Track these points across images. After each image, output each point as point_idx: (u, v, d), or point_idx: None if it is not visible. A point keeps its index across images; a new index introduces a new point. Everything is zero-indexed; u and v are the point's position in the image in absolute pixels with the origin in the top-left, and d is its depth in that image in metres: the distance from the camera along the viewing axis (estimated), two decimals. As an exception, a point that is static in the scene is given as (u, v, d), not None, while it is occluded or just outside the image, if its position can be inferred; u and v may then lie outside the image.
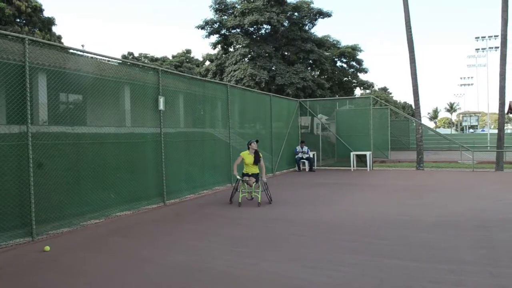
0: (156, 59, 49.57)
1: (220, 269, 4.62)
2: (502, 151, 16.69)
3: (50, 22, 29.53)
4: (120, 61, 8.99)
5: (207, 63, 34.39)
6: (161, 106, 8.83)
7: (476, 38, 44.67)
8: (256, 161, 8.88)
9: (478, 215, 7.33)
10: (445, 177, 13.61)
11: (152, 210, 8.37)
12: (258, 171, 8.96)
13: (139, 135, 8.57)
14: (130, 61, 10.74)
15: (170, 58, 51.09)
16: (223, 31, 29.09)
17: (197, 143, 10.60)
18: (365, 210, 8.12)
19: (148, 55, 51.75)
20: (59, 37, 31.17)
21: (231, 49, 30.82)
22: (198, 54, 78.23)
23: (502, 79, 16.81)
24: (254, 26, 28.19)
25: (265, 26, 28.46)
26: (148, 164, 8.61)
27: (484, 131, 56.20)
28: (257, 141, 9.06)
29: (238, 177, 8.89)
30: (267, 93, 16.06)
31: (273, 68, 27.81)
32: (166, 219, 7.57)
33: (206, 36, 29.12)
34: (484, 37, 43.44)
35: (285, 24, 28.63)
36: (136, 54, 52.09)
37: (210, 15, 29.98)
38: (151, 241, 5.94)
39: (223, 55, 30.87)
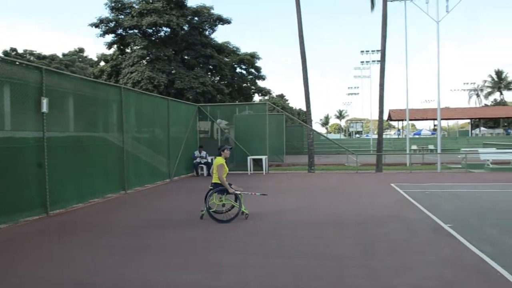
0: (44, 57, 45.51)
1: (108, 282, 4.42)
2: (381, 154, 18.60)
3: None
4: (-4, 58, 8.08)
5: (102, 63, 32.58)
6: (45, 108, 8.14)
7: (361, 51, 49.16)
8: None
9: (359, 212, 8.08)
10: (333, 179, 14.70)
11: (33, 222, 7.65)
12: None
13: (20, 140, 7.80)
14: (8, 58, 9.72)
15: (61, 56, 47.29)
16: (119, 31, 27.83)
17: (88, 148, 9.97)
18: (257, 212, 8.40)
19: (34, 52, 47.28)
20: None
21: (128, 50, 29.63)
22: (93, 53, 73.70)
23: (381, 89, 18.77)
24: (153, 28, 27.49)
25: (164, 28, 27.91)
26: (29, 171, 7.86)
27: (368, 136, 61.87)
28: (231, 148, 8.14)
29: (238, 192, 7.55)
30: (165, 97, 15.78)
31: (172, 71, 27.38)
32: (48, 232, 6.99)
33: (100, 35, 27.57)
34: (368, 51, 47.99)
35: (185, 28, 28.42)
36: (20, 51, 47.26)
37: (106, 13, 28.51)
38: (30, 255, 5.44)
39: (119, 56, 29.54)
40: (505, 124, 64.37)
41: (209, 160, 16.61)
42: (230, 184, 7.52)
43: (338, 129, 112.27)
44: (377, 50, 46.44)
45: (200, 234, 6.60)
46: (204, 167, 16.40)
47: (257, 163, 17.10)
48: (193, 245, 5.89)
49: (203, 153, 16.41)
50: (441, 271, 4.59)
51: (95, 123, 10.60)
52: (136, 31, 27.73)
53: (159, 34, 28.61)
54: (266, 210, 8.63)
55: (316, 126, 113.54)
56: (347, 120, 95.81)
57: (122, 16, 27.79)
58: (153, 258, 5.24)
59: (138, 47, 27.91)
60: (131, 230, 7.00)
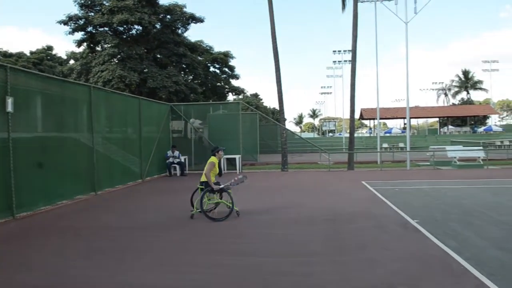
0: (11, 55, 43.92)
1: (77, 285, 4.33)
2: (353, 152, 18.93)
3: None
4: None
5: (72, 61, 31.82)
6: (10, 108, 7.89)
7: (333, 51, 49.91)
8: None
9: (330, 210, 8.21)
10: (306, 177, 14.86)
11: (-3, 225, 7.40)
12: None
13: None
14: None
15: (28, 54, 45.78)
16: (89, 29, 27.26)
17: (56, 148, 9.71)
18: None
19: (0, 50, 45.59)
20: None
21: (99, 48, 29.06)
22: (62, 51, 71.72)
23: (352, 89, 19.09)
24: (124, 26, 27.06)
25: (136, 26, 27.51)
26: (-7, 173, 7.61)
27: (341, 135, 62.85)
28: (224, 149, 8.34)
29: (222, 186, 7.68)
30: (137, 96, 15.54)
31: (144, 70, 27.04)
32: (13, 235, 6.78)
33: (69, 33, 26.92)
34: (340, 51, 48.76)
35: (158, 26, 28.11)
36: (-16, 48, 45.40)
37: (75, 10, 27.87)
38: (-7, 260, 5.27)
39: (90, 54, 28.94)
40: (472, 122, 66.64)
41: (182, 160, 16.50)
42: (217, 183, 7.68)
43: (312, 128, 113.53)
44: (349, 50, 47.35)
45: (173, 235, 6.57)
46: (177, 167, 16.27)
47: (231, 163, 17.10)
48: (165, 246, 5.84)
49: (176, 153, 16.26)
50: (408, 265, 4.73)
51: (63, 123, 10.32)
52: (106, 29, 27.23)
53: (130, 32, 28.18)
54: (239, 209, 8.63)
55: (290, 125, 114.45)
56: (321, 119, 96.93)
57: (92, 14, 27.23)
58: (123, 260, 5.17)
59: (109, 45, 27.43)
60: (100, 232, 6.88)
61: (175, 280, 4.46)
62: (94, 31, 27.29)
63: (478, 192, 10.32)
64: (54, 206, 9.27)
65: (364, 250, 5.37)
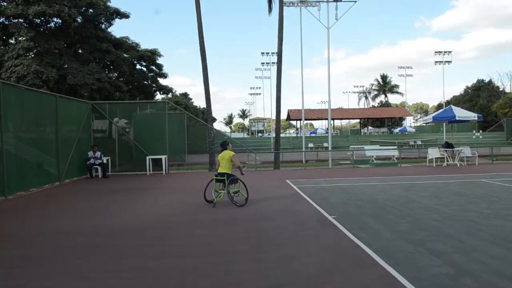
0: None
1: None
2: (278, 152, 19.44)
3: None
4: None
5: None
6: None
7: (262, 53, 50.78)
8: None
9: (253, 209, 8.34)
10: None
11: None
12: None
13: None
14: None
15: None
16: (1, 19, 25.10)
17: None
18: (151, 213, 8.26)
19: None
20: None
21: (12, 41, 26.86)
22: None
23: (278, 90, 19.61)
24: (42, 18, 25.29)
25: (54, 19, 25.85)
26: None
27: (270, 135, 64.12)
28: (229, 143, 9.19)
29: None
30: (53, 93, 14.57)
31: (64, 66, 25.47)
32: None
33: (-22, 23, 24.57)
34: (268, 53, 49.74)
35: (79, 20, 26.63)
36: None
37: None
38: None
39: (2, 47, 26.63)
40: (389, 123, 71.59)
41: (104, 161, 15.79)
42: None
43: (242, 128, 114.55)
44: (277, 52, 48.60)
45: (89, 240, 6.28)
46: (99, 168, 15.53)
47: (157, 163, 16.71)
48: (80, 252, 5.58)
49: (98, 154, 15.50)
50: (322, 258, 4.97)
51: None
52: (21, 20, 25.22)
53: (48, 25, 26.43)
54: (160, 211, 8.51)
55: (221, 125, 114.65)
56: (250, 120, 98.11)
57: (5, 3, 25.08)
58: (39, 267, 4.85)
59: (23, 38, 25.41)
60: (7, 239, 6.38)
61: (89, 286, 4.27)
62: (6, 22, 25.17)
63: (391, 188, 11.10)
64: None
65: (282, 247, 5.54)
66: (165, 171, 16.61)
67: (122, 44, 29.63)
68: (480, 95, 66.02)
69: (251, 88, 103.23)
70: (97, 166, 15.50)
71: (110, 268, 4.83)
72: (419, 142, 40.71)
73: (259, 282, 4.25)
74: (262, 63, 52.07)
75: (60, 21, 25.70)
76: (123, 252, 5.48)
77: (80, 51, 27.49)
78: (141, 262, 5.01)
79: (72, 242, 6.08)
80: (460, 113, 18.76)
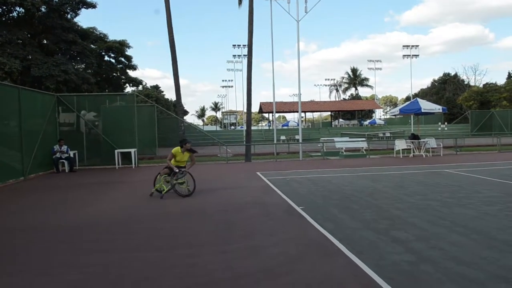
0: None
1: None
2: (249, 144, 19.48)
3: None
4: None
5: None
6: None
7: (233, 45, 50.65)
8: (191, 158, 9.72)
9: (223, 201, 8.37)
10: (204, 170, 14.89)
11: None
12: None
13: None
14: None
15: None
16: (-42, 8, 23.95)
17: None
18: (117, 207, 8.13)
19: None
20: None
21: (-29, 30, 25.64)
22: None
23: (248, 83, 19.61)
24: (3, 7, 24.27)
25: (17, 8, 24.85)
26: None
27: (242, 128, 64.13)
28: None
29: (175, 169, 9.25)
30: (16, 85, 14.06)
31: (28, 57, 24.57)
32: None
33: None
34: (240, 45, 49.65)
35: (43, 9, 25.69)
36: None
37: None
38: None
39: (-41, 37, 25.40)
40: (360, 116, 72.89)
41: (71, 155, 15.41)
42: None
43: (215, 121, 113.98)
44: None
45: (52, 235, 6.14)
46: (66, 162, 15.14)
47: (126, 157, 16.44)
48: (41, 248, 5.45)
49: (64, 148, 15.09)
50: (288, 248, 5.05)
51: None
52: (-19, 9, 24.16)
53: (11, 15, 25.37)
54: (127, 205, 8.41)
55: (193, 118, 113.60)
56: (223, 112, 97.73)
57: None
58: (-9, 265, 4.72)
59: (-17, 28, 24.34)
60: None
61: (52, 282, 4.19)
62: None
63: (358, 179, 11.35)
64: None
65: (250, 238, 5.60)
66: (135, 164, 16.37)
67: (89, 35, 28.86)
68: (447, 88, 68.11)
69: (223, 80, 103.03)
70: (63, 161, 15.11)
71: (73, 264, 4.74)
72: (388, 134, 41.60)
73: (225, 273, 4.28)
74: (234, 56, 52.13)
75: (23, 10, 24.72)
76: (86, 247, 5.39)
77: (44, 41, 26.58)
78: (104, 257, 4.94)
79: (35, 238, 5.94)
80: (426, 105, 19.36)
